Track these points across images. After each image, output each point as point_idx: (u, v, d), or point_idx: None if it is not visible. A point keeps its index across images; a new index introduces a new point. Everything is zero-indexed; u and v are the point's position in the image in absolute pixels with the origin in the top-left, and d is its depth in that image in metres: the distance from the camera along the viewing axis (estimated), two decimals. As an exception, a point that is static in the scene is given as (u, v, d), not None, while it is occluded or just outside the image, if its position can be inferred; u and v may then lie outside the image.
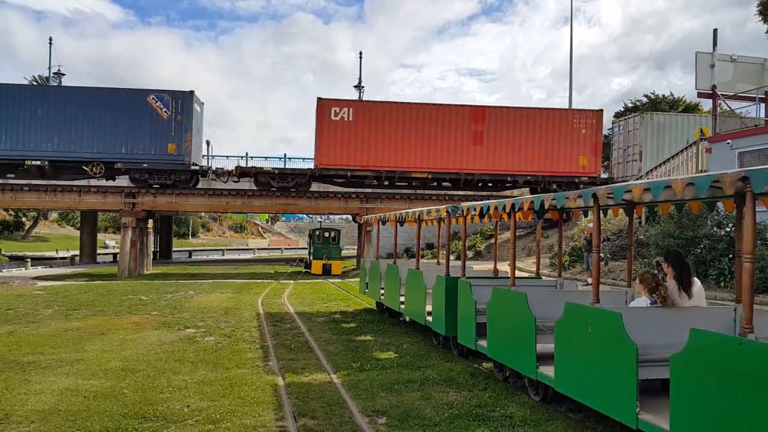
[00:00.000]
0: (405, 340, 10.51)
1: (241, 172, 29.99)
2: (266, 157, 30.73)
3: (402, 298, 11.69)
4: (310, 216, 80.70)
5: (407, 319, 12.11)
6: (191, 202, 30.37)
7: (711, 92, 22.94)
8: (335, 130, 29.33)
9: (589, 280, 15.84)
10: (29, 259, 36.28)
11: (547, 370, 6.19)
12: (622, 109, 41.49)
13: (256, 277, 27.68)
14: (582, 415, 6.07)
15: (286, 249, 69.21)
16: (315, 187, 31.95)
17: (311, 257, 31.53)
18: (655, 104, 41.33)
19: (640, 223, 20.65)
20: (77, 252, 42.02)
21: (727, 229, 14.56)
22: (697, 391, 4.20)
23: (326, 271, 28.98)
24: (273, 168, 30.05)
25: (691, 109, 40.53)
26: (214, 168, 30.54)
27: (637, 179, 30.18)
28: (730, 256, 13.77)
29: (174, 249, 51.64)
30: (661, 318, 5.50)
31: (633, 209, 6.98)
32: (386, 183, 30.94)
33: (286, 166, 30.25)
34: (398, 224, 13.31)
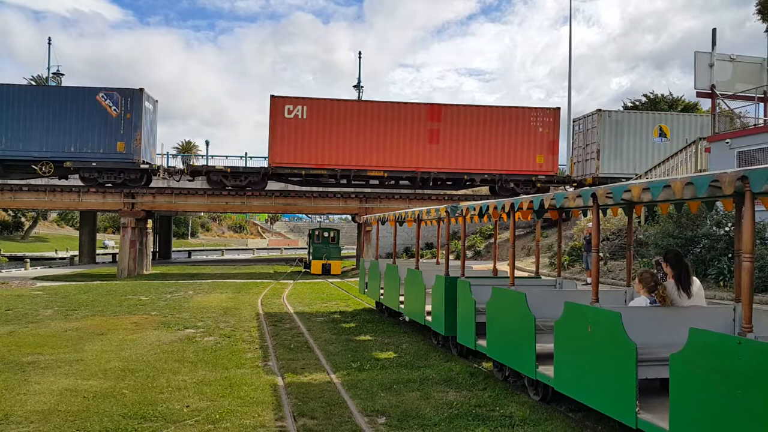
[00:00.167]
0: (404, 340, 10.51)
1: (193, 171, 29.91)
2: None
3: (401, 298, 11.69)
4: (310, 216, 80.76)
5: (407, 318, 12.11)
6: (190, 202, 30.36)
7: (710, 92, 22.96)
8: (289, 128, 29.18)
9: (589, 280, 15.85)
10: (28, 260, 36.27)
11: (547, 370, 6.19)
12: (621, 109, 41.43)
13: (256, 277, 27.67)
14: (581, 415, 6.08)
15: (285, 249, 69.20)
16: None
17: (311, 257, 31.52)
18: (654, 104, 41.32)
19: (639, 222, 20.66)
20: (76, 252, 41.98)
21: (727, 229, 14.57)
22: (697, 390, 4.20)
23: (326, 271, 28.96)
24: (225, 167, 29.90)
25: (690, 108, 40.55)
26: (166, 166, 30.44)
27: (594, 177, 30.12)
28: (730, 255, 13.77)
29: (173, 249, 51.64)
30: (660, 317, 5.50)
31: (632, 209, 6.98)
32: (343, 182, 30.71)
33: (239, 165, 30.10)
34: (397, 224, 13.31)
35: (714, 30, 23.46)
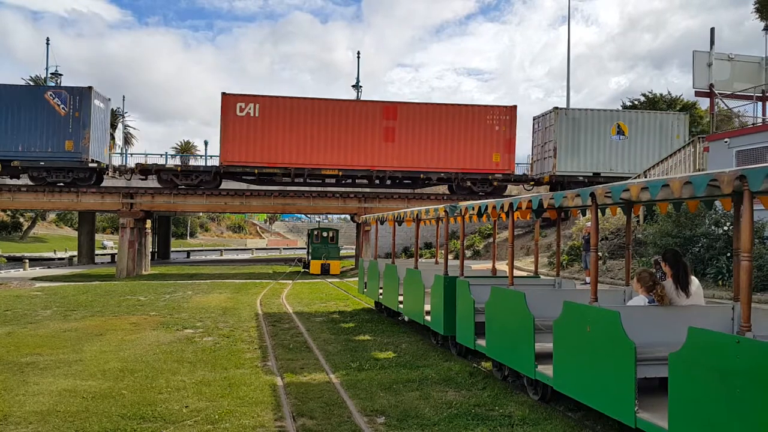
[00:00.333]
0: (404, 340, 10.51)
1: (143, 170, 29.80)
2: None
3: (400, 298, 11.69)
4: (309, 216, 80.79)
5: (406, 318, 12.11)
6: (189, 203, 30.32)
7: (708, 91, 22.97)
8: (241, 126, 28.96)
9: (588, 279, 15.85)
10: (27, 260, 36.22)
11: (546, 369, 6.20)
12: (620, 108, 41.44)
13: (255, 277, 27.66)
14: (581, 414, 6.08)
15: (284, 249, 69.21)
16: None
17: (309, 257, 31.52)
18: (653, 103, 41.30)
19: (638, 222, 20.67)
20: (75, 253, 41.95)
21: (725, 228, 14.58)
22: (696, 389, 4.21)
23: (325, 271, 28.95)
24: (175, 165, 29.74)
25: (689, 107, 40.53)
26: (116, 165, 30.25)
27: (551, 176, 30.02)
28: (728, 254, 13.78)
29: (172, 249, 51.62)
30: (659, 317, 5.50)
31: (631, 208, 6.98)
32: (300, 181, 30.48)
33: (190, 164, 29.98)
34: (396, 224, 13.31)
35: (712, 29, 23.47)
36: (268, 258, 51.20)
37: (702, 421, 4.13)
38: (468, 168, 30.10)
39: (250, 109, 29.03)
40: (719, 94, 22.97)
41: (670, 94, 42.10)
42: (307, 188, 32.19)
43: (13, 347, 9.77)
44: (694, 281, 5.90)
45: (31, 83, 48.44)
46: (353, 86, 38.31)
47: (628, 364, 4.86)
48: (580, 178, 30.15)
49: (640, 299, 5.83)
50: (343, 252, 36.71)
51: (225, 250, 64.83)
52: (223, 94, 29.11)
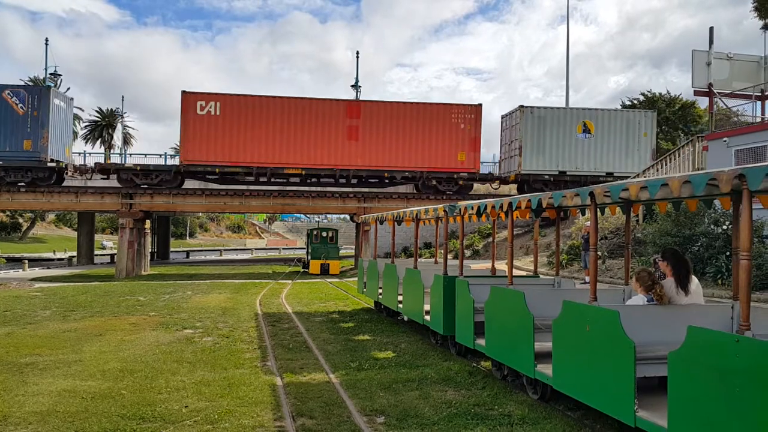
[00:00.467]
0: (403, 340, 10.51)
1: (101, 169, 29.71)
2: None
3: (400, 298, 11.69)
4: (308, 216, 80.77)
5: (405, 318, 12.11)
6: (188, 203, 30.31)
7: (707, 90, 22.98)
8: (201, 125, 28.75)
9: (587, 279, 15.85)
10: (26, 261, 36.22)
11: (545, 369, 6.20)
12: (620, 107, 41.44)
13: (254, 277, 27.65)
14: (580, 414, 6.08)
15: (284, 249, 69.21)
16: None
17: (309, 257, 31.51)
18: (652, 102, 41.30)
19: (637, 221, 20.68)
20: (74, 253, 41.94)
21: (725, 227, 14.58)
22: (695, 388, 4.21)
23: (324, 271, 28.94)
24: (135, 164, 29.58)
25: (688, 106, 40.54)
26: (76, 165, 30.17)
27: (516, 174, 29.87)
28: (727, 253, 13.79)
29: (171, 249, 51.58)
30: (658, 316, 5.51)
31: (630, 207, 6.98)
32: (264, 180, 30.28)
33: (150, 163, 29.82)
34: (396, 223, 13.31)
35: (711, 28, 23.45)
36: (268, 258, 51.20)
37: (701, 420, 4.13)
38: (433, 167, 29.97)
39: (210, 107, 28.79)
40: (718, 93, 22.98)
41: (669, 93, 42.11)
42: (306, 188, 32.18)
43: (12, 348, 9.76)
44: (693, 280, 5.90)
45: (30, 84, 48.42)
46: (352, 86, 38.25)
47: (628, 363, 4.86)
48: (546, 176, 30.01)
49: (639, 298, 5.84)
50: (342, 252, 36.70)
51: (224, 250, 64.80)
52: (183, 92, 28.89)
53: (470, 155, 30.14)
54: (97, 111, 62.83)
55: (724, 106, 24.05)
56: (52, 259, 44.55)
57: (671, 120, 39.29)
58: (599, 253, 15.76)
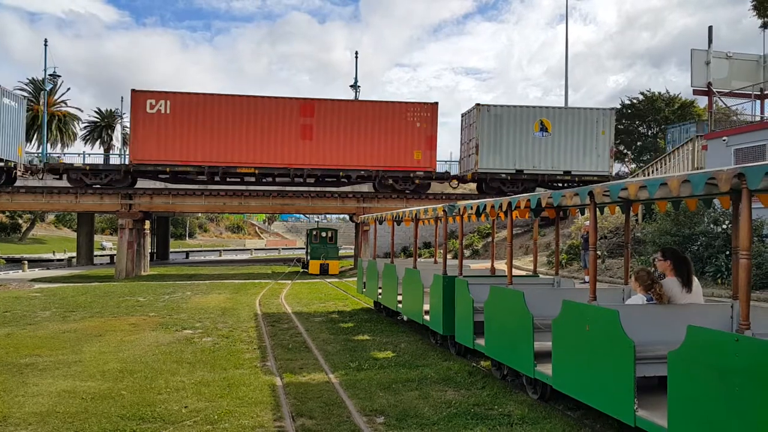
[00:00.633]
0: (403, 340, 10.51)
1: (50, 169, 29.49)
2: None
3: (399, 298, 11.69)
4: (307, 216, 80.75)
5: (405, 318, 12.11)
6: (188, 203, 30.29)
7: (706, 89, 22.99)
8: (151, 124, 28.44)
9: (587, 278, 15.86)
10: (26, 261, 36.20)
11: (545, 369, 6.20)
12: (619, 106, 41.47)
13: (254, 277, 27.65)
14: (580, 413, 6.08)
15: (283, 249, 69.18)
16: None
17: (308, 257, 31.49)
18: (652, 101, 41.34)
19: (636, 220, 20.69)
20: (74, 254, 41.91)
21: (724, 226, 14.59)
22: (695, 387, 4.21)
23: (323, 271, 28.93)
24: (84, 164, 29.27)
25: (687, 106, 40.56)
26: (27, 165, 29.99)
27: (473, 173, 29.70)
28: (727, 252, 13.80)
29: (171, 250, 51.54)
30: (658, 315, 5.50)
31: (629, 207, 6.98)
32: (217, 179, 30.01)
33: (100, 163, 29.62)
34: (395, 223, 13.30)
35: (710, 27, 23.49)
36: (267, 258, 51.18)
37: (701, 420, 4.13)
38: (389, 166, 29.74)
39: (160, 106, 28.52)
40: (717, 92, 22.99)
41: (668, 92, 42.15)
42: (305, 188, 32.14)
43: (12, 348, 9.76)
44: (693, 279, 5.90)
45: (30, 84, 48.39)
46: (351, 86, 38.29)
47: (627, 362, 4.86)
48: (503, 175, 29.86)
49: (638, 298, 5.83)
50: (341, 252, 36.71)
51: (224, 250, 64.76)
52: (133, 90, 28.64)
53: (426, 154, 29.91)
54: (96, 112, 62.86)
55: (724, 105, 24.05)
56: (52, 260, 44.51)
57: (671, 119, 39.28)
58: (599, 252, 15.78)
